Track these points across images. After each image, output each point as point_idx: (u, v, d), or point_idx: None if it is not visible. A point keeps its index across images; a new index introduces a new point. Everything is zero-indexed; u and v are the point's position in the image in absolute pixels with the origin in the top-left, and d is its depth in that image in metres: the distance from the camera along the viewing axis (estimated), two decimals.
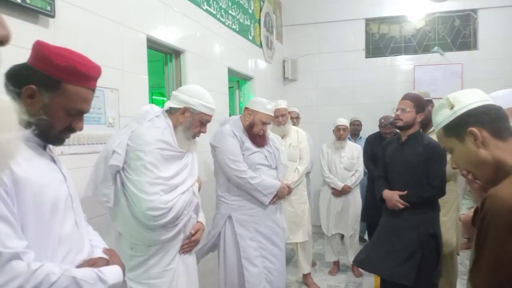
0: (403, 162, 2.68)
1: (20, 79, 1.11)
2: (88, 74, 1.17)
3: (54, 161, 1.21)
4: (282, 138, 3.72)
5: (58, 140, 1.21)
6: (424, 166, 2.60)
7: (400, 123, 2.66)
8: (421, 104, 2.68)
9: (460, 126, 1.15)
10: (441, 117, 1.20)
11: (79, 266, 1.16)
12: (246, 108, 2.76)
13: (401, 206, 2.61)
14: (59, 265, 1.07)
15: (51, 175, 1.15)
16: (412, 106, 2.64)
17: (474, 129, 1.12)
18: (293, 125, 4.24)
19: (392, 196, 2.66)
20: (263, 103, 2.72)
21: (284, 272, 2.90)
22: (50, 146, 1.23)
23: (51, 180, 1.14)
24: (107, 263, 1.24)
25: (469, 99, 1.16)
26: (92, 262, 1.20)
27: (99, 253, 1.28)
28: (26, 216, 1.03)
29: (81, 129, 1.22)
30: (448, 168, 3.10)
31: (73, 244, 1.17)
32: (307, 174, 4.48)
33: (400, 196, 2.63)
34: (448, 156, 2.91)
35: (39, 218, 1.06)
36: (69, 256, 1.14)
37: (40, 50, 1.12)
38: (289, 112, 3.92)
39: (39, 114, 1.11)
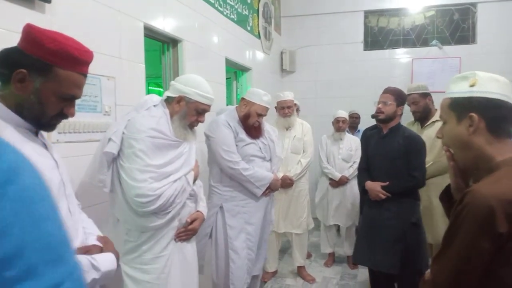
0: (385, 154, 2.77)
1: (10, 63, 1.08)
2: (81, 58, 1.15)
3: (46, 147, 1.19)
4: (287, 130, 3.71)
5: (50, 125, 1.19)
6: (405, 157, 2.68)
7: (382, 116, 2.75)
8: (401, 98, 2.78)
9: (466, 107, 1.14)
10: (457, 88, 1.17)
11: None
12: (243, 99, 2.74)
13: (383, 196, 2.69)
14: None
15: (42, 161, 1.13)
16: (393, 99, 2.72)
17: (475, 116, 1.11)
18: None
19: (374, 187, 2.75)
20: (260, 94, 2.70)
21: (264, 258, 2.98)
22: (43, 132, 1.21)
23: (43, 167, 1.11)
24: (100, 250, 1.24)
25: (492, 87, 1.12)
26: (86, 250, 1.19)
27: (93, 241, 1.28)
28: None
29: (73, 115, 1.20)
30: (445, 160, 3.11)
31: (67, 231, 1.16)
32: None
33: (382, 187, 2.70)
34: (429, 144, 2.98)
35: None
36: None
37: (32, 33, 1.09)
38: (295, 104, 3.90)
39: (30, 99, 1.09)
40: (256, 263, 2.83)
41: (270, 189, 2.75)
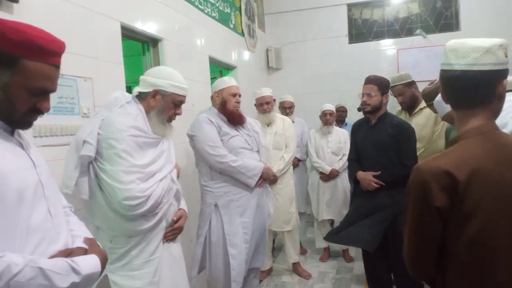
0: (374, 144, 2.74)
1: None
2: (48, 48, 1.08)
3: (22, 146, 1.13)
4: (267, 126, 3.67)
5: (24, 123, 1.12)
6: (395, 146, 2.65)
7: (368, 108, 2.74)
8: (384, 86, 2.76)
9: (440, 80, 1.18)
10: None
11: (53, 256, 1.09)
12: (212, 95, 2.77)
13: (375, 186, 2.65)
14: (25, 255, 1.00)
15: (16, 162, 1.07)
16: (377, 89, 2.71)
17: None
18: (287, 115, 4.17)
19: (366, 177, 2.71)
20: (223, 79, 2.78)
21: (265, 252, 2.93)
22: (20, 131, 1.15)
23: (17, 167, 1.05)
24: (85, 252, 1.17)
25: (448, 57, 1.10)
26: (68, 252, 1.13)
27: (79, 243, 1.21)
28: None
29: (47, 109, 1.13)
30: (436, 146, 3.11)
31: (45, 234, 1.10)
32: (303, 161, 4.45)
33: (374, 176, 2.67)
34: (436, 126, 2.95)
35: (4, 207, 0.99)
36: (41, 247, 1.07)
37: None
38: (274, 100, 3.86)
39: None
40: (255, 255, 2.78)
41: (263, 178, 2.72)
